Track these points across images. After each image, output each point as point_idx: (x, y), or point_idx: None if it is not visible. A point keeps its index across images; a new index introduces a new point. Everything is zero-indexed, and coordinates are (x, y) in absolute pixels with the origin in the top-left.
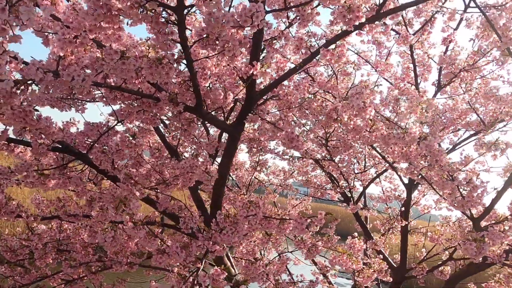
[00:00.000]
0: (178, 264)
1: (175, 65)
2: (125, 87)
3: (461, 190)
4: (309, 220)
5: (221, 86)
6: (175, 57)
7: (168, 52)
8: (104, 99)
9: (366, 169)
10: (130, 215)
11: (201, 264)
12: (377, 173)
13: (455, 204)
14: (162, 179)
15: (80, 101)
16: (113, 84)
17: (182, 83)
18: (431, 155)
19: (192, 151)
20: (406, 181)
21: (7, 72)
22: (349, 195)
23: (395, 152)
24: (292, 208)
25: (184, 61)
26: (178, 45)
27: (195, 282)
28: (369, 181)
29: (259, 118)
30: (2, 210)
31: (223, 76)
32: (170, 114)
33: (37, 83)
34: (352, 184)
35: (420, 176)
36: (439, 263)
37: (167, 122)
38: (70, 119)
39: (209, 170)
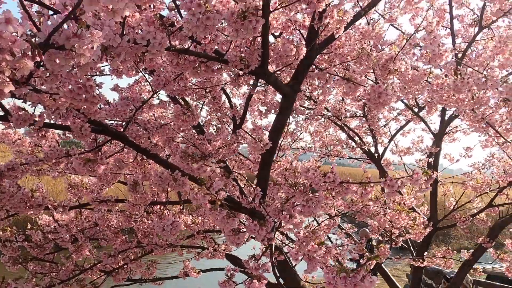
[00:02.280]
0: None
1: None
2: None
3: None
4: (399, 182)
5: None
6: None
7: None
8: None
9: (386, 123)
10: (211, 195)
11: (274, 240)
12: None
13: None
14: (202, 153)
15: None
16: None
17: (252, 41)
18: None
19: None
20: (434, 131)
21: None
22: (374, 150)
23: (465, 100)
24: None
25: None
26: None
27: (273, 258)
28: (392, 134)
29: (327, 74)
30: (28, 204)
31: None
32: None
33: (113, 50)
34: (379, 140)
35: (486, 123)
36: (473, 211)
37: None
38: None
39: (261, 138)
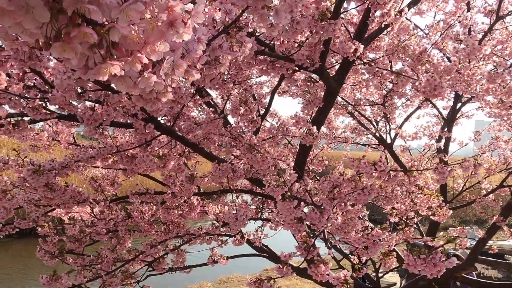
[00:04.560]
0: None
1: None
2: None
3: None
4: (449, 168)
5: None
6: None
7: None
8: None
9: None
10: (287, 187)
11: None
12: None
13: None
14: (248, 145)
15: None
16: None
17: (318, 41)
18: None
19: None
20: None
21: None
22: (385, 136)
23: (497, 90)
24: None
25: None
26: None
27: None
28: (403, 120)
29: (376, 68)
30: (76, 199)
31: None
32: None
33: None
34: (392, 126)
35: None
36: (483, 192)
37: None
38: None
39: (312, 131)
